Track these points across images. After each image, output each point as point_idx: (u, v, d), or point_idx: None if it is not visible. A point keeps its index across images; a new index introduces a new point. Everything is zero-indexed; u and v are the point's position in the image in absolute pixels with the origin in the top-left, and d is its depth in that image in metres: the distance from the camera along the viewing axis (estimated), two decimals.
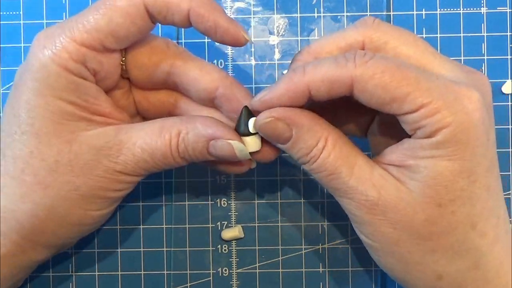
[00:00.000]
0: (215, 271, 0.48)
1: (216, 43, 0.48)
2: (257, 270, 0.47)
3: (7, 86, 0.48)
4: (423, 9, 0.47)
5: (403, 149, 0.35)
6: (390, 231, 0.35)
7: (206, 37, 0.48)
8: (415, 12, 0.47)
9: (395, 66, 0.33)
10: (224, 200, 0.48)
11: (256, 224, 0.48)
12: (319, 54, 0.38)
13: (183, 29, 0.48)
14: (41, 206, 0.37)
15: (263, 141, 0.39)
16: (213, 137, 0.38)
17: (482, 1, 0.47)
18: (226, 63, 0.48)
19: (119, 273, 0.48)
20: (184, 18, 0.38)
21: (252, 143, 0.38)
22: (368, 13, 0.47)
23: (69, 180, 0.37)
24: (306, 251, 0.47)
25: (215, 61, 0.47)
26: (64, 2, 0.48)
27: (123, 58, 0.40)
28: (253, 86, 0.48)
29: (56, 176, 0.37)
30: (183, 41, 0.48)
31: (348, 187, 0.36)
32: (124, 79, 0.41)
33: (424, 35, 0.47)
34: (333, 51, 0.37)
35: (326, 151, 0.36)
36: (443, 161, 0.34)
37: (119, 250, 0.48)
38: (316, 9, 0.48)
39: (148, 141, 0.38)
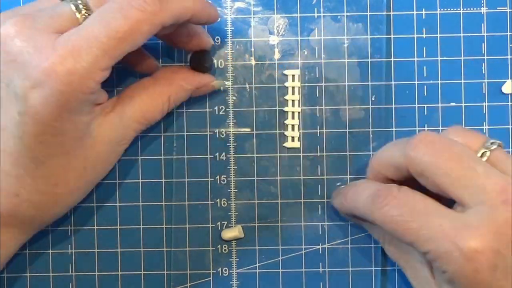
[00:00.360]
0: (215, 271, 0.48)
1: (216, 43, 0.48)
2: (257, 270, 0.47)
3: None
4: (423, 9, 0.47)
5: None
6: None
7: None
8: (415, 12, 0.47)
9: (401, 216, 0.37)
10: (224, 200, 0.48)
11: (256, 224, 0.48)
12: (377, 170, 0.43)
13: None
14: None
15: None
16: (197, 88, 0.45)
17: (482, 1, 0.47)
18: (226, 63, 0.48)
19: (119, 273, 0.48)
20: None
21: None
22: (368, 13, 0.47)
23: None
24: (306, 251, 0.47)
25: (215, 61, 0.47)
26: None
27: None
28: (253, 85, 0.48)
29: None
30: None
31: (405, 273, 0.42)
32: None
33: (424, 35, 0.47)
34: (382, 170, 0.42)
35: (386, 246, 0.44)
36: None
37: (119, 250, 0.48)
38: (316, 9, 0.48)
39: (146, 115, 0.43)
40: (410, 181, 0.40)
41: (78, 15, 0.38)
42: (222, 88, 0.47)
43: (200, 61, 0.46)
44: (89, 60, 0.36)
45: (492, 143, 0.39)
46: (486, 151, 0.38)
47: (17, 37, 0.36)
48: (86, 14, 0.38)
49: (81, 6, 0.38)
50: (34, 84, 0.35)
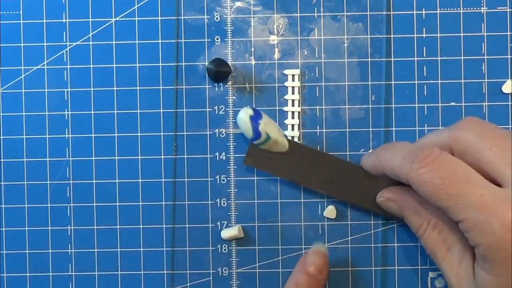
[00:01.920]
0: (215, 271, 0.48)
1: (216, 43, 0.48)
2: (257, 270, 0.47)
3: (7, 86, 0.48)
4: (423, 9, 0.47)
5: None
6: None
7: (205, 37, 0.48)
8: (415, 12, 0.47)
9: (440, 180, 0.37)
10: (224, 200, 0.48)
11: (256, 224, 0.48)
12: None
13: (182, 29, 0.48)
14: None
15: None
16: None
17: (482, 1, 0.47)
18: (226, 62, 0.48)
19: (119, 273, 0.48)
20: None
21: None
22: (368, 13, 0.47)
23: None
24: (306, 251, 0.47)
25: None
26: (64, 2, 0.48)
27: None
28: (253, 85, 0.48)
29: None
30: (182, 41, 0.48)
31: (440, 267, 0.41)
32: None
33: (424, 35, 0.47)
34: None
35: (427, 232, 0.42)
36: (485, 274, 0.37)
37: (119, 250, 0.48)
38: (316, 8, 0.48)
39: None
40: None
41: None
42: None
43: (219, 65, 0.47)
44: None
45: None
46: None
47: None
48: None
49: None
50: None
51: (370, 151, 0.47)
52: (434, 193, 0.37)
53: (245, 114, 0.44)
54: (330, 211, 0.47)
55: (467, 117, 0.40)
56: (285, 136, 0.46)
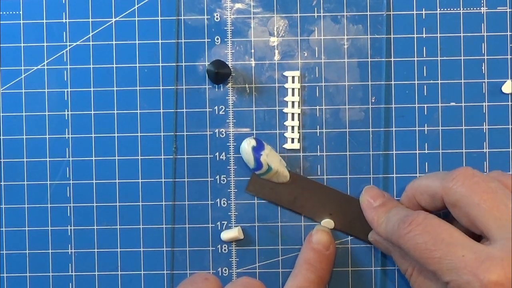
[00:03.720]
0: (215, 271, 0.47)
1: (216, 43, 0.48)
2: (257, 270, 0.47)
3: (7, 86, 0.48)
4: (423, 9, 0.47)
5: None
6: None
7: (206, 38, 0.48)
8: (415, 12, 0.47)
9: (424, 244, 0.38)
10: (224, 200, 0.48)
11: (256, 224, 0.47)
12: (412, 195, 0.45)
13: (182, 29, 0.48)
14: None
15: None
16: None
17: (482, 1, 0.47)
18: (226, 63, 0.48)
19: (119, 273, 0.48)
20: None
21: None
22: (368, 13, 0.48)
23: None
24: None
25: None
26: (64, 2, 0.48)
27: None
28: (253, 85, 0.48)
29: None
30: (183, 41, 0.48)
31: None
32: None
33: (424, 35, 0.47)
34: (417, 197, 0.44)
35: (413, 277, 0.43)
36: None
37: (119, 250, 0.48)
38: (316, 9, 0.48)
39: None
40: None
41: None
42: None
43: (219, 67, 0.47)
44: None
45: None
46: None
47: None
48: None
49: None
50: None
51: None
52: (421, 257, 0.38)
53: (247, 145, 0.46)
54: (327, 221, 0.47)
55: (459, 168, 0.40)
56: (286, 167, 0.47)
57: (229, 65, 0.47)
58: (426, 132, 0.47)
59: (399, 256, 0.44)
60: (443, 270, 0.37)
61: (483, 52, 0.47)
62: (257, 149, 0.46)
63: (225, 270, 0.47)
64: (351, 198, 0.47)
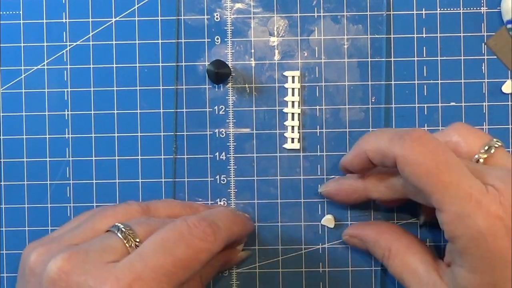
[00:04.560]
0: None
1: (216, 43, 0.48)
2: (257, 270, 0.47)
3: (7, 86, 0.48)
4: (423, 9, 0.47)
5: (448, 250, 0.38)
6: None
7: (206, 38, 0.48)
8: (415, 12, 0.47)
9: (435, 163, 0.36)
10: (224, 200, 0.48)
11: (256, 225, 0.47)
12: (363, 150, 0.41)
13: (182, 29, 0.48)
14: None
15: None
16: (225, 262, 0.46)
17: (482, 1, 0.47)
18: (226, 63, 0.48)
19: None
20: None
21: None
22: (368, 13, 0.48)
23: None
24: (306, 251, 0.47)
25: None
26: (64, 2, 0.48)
27: None
28: (253, 85, 0.48)
29: None
30: (182, 41, 0.48)
31: None
32: None
33: (424, 35, 0.47)
34: (369, 153, 0.41)
35: (390, 260, 0.42)
36: (465, 272, 0.36)
37: None
38: (316, 9, 0.48)
39: None
40: None
41: (127, 245, 0.38)
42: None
43: (219, 67, 0.47)
44: (154, 286, 0.35)
45: (496, 141, 0.40)
46: (490, 148, 0.39)
47: (73, 271, 0.35)
48: (135, 244, 0.38)
49: (130, 237, 0.38)
50: None
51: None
52: (424, 175, 0.36)
53: None
54: (328, 220, 0.47)
55: (414, 132, 0.38)
56: None
57: (229, 65, 0.47)
58: None
59: (373, 243, 0.43)
60: (445, 196, 0.35)
61: (483, 52, 0.47)
62: None
63: (225, 272, 0.47)
64: None
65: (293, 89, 0.48)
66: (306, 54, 0.48)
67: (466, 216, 0.35)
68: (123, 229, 0.38)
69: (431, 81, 0.47)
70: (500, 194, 0.35)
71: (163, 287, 0.35)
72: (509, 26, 0.46)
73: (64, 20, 0.48)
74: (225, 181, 0.48)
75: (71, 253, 0.36)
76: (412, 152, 0.36)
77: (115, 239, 0.38)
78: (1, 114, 0.48)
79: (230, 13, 0.48)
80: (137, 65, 0.48)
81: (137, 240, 0.38)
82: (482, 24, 0.47)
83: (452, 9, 0.47)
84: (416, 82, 0.47)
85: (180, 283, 0.36)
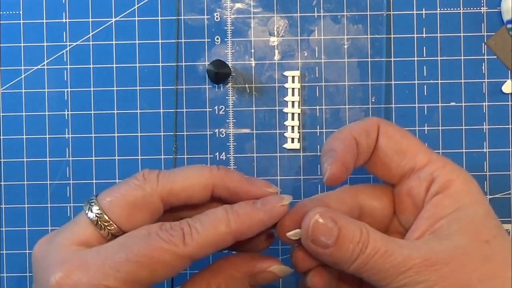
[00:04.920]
0: None
1: (216, 43, 0.48)
2: None
3: (7, 86, 0.48)
4: (423, 9, 0.47)
5: (425, 218, 0.37)
6: None
7: (206, 38, 0.48)
8: (415, 12, 0.47)
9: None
10: None
11: None
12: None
13: (182, 29, 0.48)
14: None
15: None
16: (251, 274, 0.39)
17: (482, 1, 0.47)
18: (226, 63, 0.48)
19: None
20: (204, 198, 0.38)
21: None
22: (368, 13, 0.48)
23: None
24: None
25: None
26: (64, 2, 0.48)
27: None
28: (253, 85, 0.48)
29: None
30: (182, 41, 0.48)
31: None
32: None
33: (424, 35, 0.47)
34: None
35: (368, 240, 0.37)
36: (472, 207, 0.36)
37: None
38: (316, 9, 0.48)
39: None
40: None
41: (98, 227, 0.37)
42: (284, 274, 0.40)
43: (219, 67, 0.47)
44: (97, 276, 0.34)
45: None
46: None
47: (39, 254, 0.36)
48: (106, 224, 0.37)
49: (97, 218, 0.37)
50: None
51: None
52: (403, 142, 0.39)
53: None
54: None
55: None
56: None
57: (229, 65, 0.47)
58: (426, 132, 0.47)
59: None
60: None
61: (483, 52, 0.47)
62: None
63: None
64: None
65: (293, 89, 0.48)
66: (306, 54, 0.48)
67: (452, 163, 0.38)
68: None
69: (431, 81, 0.47)
70: None
71: (107, 278, 0.34)
72: (509, 26, 0.46)
73: (64, 20, 0.48)
74: None
75: (48, 235, 0.37)
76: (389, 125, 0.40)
77: (83, 219, 0.37)
78: (1, 114, 0.48)
79: (230, 13, 0.48)
80: (137, 65, 0.48)
81: (108, 222, 0.37)
82: (482, 24, 0.47)
83: (452, 9, 0.47)
84: (416, 82, 0.47)
85: (137, 281, 0.35)
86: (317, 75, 0.48)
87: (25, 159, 0.48)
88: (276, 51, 0.48)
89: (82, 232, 0.37)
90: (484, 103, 0.47)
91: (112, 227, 0.36)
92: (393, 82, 0.47)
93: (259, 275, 0.40)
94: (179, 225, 0.36)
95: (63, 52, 0.48)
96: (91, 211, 0.36)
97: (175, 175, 0.38)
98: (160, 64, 0.48)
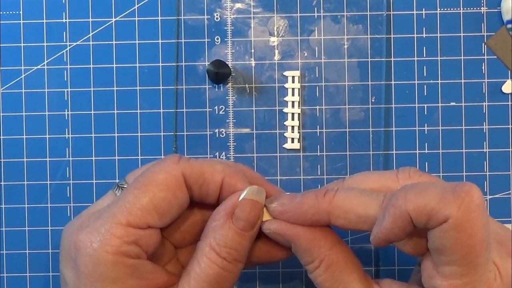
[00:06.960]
0: None
1: (216, 43, 0.48)
2: (257, 270, 0.47)
3: (7, 86, 0.48)
4: (423, 9, 0.47)
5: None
6: None
7: (206, 38, 0.48)
8: (415, 12, 0.47)
9: (481, 239, 0.32)
10: None
11: None
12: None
13: (182, 29, 0.48)
14: None
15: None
16: None
17: (482, 1, 0.47)
18: (226, 63, 0.48)
19: None
20: (217, 189, 0.38)
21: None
22: (368, 13, 0.48)
23: None
24: None
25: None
26: (64, 2, 0.48)
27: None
28: (253, 85, 0.48)
29: None
30: (182, 41, 0.48)
31: None
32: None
33: (424, 35, 0.47)
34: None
35: (318, 271, 0.37)
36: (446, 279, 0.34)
37: None
38: (316, 9, 0.48)
39: None
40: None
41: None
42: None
43: (219, 67, 0.47)
44: (105, 230, 0.36)
45: None
46: None
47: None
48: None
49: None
50: (73, 265, 0.36)
51: None
52: (466, 247, 0.32)
53: None
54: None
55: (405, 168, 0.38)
56: None
57: (229, 65, 0.47)
58: (426, 132, 0.47)
59: (304, 248, 0.37)
60: (469, 275, 0.33)
61: (483, 52, 0.47)
62: None
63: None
64: None
65: (293, 89, 0.48)
66: (306, 54, 0.48)
67: (450, 198, 0.32)
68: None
69: (431, 81, 0.47)
70: (501, 278, 0.34)
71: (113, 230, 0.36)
72: (509, 26, 0.46)
73: (64, 20, 0.48)
74: None
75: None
76: (470, 217, 0.32)
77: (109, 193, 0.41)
78: (1, 114, 0.48)
79: (230, 13, 0.48)
80: (137, 65, 0.48)
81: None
82: (482, 24, 0.47)
83: (452, 9, 0.47)
84: (416, 82, 0.47)
85: (137, 224, 0.36)
86: (317, 75, 0.48)
87: (25, 159, 0.48)
88: (276, 51, 0.48)
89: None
90: (484, 103, 0.47)
91: None
92: (393, 82, 0.47)
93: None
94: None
95: (63, 52, 0.48)
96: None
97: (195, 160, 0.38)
98: (160, 64, 0.48)
